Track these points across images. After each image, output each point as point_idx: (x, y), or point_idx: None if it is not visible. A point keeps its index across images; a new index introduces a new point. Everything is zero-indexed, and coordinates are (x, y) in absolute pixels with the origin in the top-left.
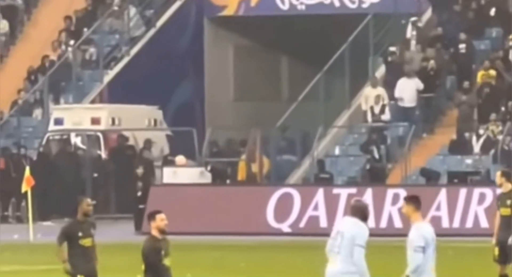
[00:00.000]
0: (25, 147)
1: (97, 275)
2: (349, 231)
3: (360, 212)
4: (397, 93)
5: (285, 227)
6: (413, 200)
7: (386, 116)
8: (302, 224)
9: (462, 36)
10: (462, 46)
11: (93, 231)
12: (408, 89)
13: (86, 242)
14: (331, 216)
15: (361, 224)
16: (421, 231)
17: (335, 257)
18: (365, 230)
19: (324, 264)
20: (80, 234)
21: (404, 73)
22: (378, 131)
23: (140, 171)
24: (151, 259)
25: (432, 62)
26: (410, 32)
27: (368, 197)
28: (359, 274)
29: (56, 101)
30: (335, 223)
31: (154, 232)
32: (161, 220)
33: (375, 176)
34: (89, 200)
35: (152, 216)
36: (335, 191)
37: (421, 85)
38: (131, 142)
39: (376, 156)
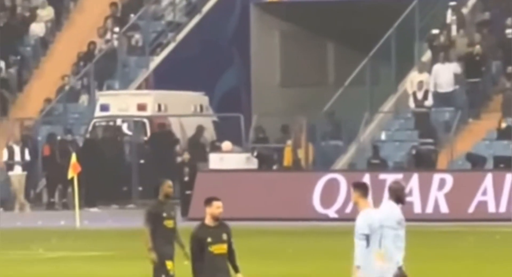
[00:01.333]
0: (72, 133)
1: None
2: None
3: (393, 194)
4: (434, 79)
5: (331, 212)
6: (360, 187)
7: (429, 102)
8: (348, 210)
9: (509, 21)
10: (509, 31)
11: (173, 213)
12: (445, 74)
13: (169, 223)
14: (377, 201)
15: (392, 206)
16: (366, 218)
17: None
18: (394, 212)
19: None
20: (164, 214)
21: (448, 58)
22: (424, 116)
23: (186, 156)
24: (196, 246)
25: (477, 47)
26: (450, 17)
27: (414, 182)
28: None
29: (102, 88)
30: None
31: (208, 218)
32: (217, 207)
33: (422, 161)
34: (170, 182)
35: (209, 202)
36: (382, 176)
37: (458, 69)
38: (177, 128)
39: (422, 141)
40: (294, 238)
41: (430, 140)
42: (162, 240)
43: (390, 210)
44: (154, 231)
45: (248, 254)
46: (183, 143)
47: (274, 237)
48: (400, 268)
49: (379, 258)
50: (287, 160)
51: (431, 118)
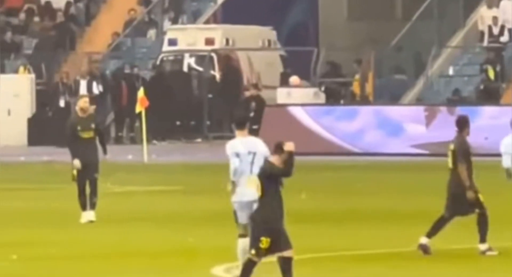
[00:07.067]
0: (139, 67)
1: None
2: None
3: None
4: (502, 15)
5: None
6: (244, 125)
7: (505, 38)
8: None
9: None
10: None
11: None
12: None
13: (87, 134)
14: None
15: None
16: (230, 142)
17: None
18: None
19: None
20: (79, 127)
21: None
22: (495, 51)
23: (252, 91)
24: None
25: None
26: None
27: (482, 116)
28: None
29: (170, 22)
30: None
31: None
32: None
33: (489, 96)
34: (86, 98)
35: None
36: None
37: None
38: (245, 62)
39: (491, 76)
40: (363, 172)
41: (498, 75)
42: (81, 148)
43: None
44: (73, 141)
45: (316, 188)
46: (251, 77)
47: (343, 172)
48: None
49: (251, 184)
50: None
51: (506, 54)
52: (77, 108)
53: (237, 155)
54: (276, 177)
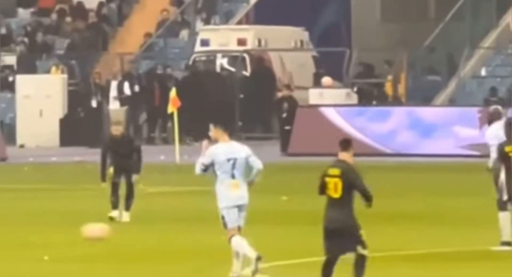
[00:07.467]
0: (171, 67)
1: None
2: None
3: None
4: None
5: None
6: (222, 124)
7: None
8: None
9: None
10: None
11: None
12: None
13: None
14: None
15: None
16: (212, 150)
17: None
18: None
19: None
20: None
21: None
22: None
23: (285, 92)
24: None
25: None
26: None
27: None
28: None
29: (203, 22)
30: None
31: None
32: None
33: None
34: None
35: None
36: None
37: None
38: (277, 63)
39: None
40: (393, 172)
41: None
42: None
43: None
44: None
45: None
46: (283, 78)
47: (376, 172)
48: None
49: (234, 187)
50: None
51: None
52: (110, 133)
53: (214, 163)
54: (357, 191)
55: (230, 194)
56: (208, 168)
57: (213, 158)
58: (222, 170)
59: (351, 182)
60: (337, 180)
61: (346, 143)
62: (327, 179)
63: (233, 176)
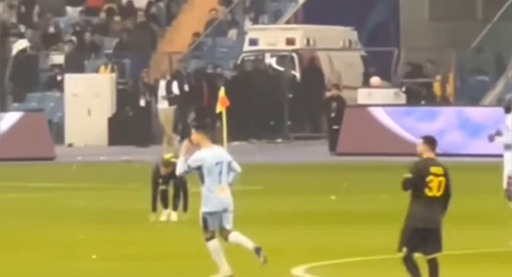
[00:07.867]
0: (220, 67)
1: None
2: None
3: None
4: None
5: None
6: (204, 128)
7: None
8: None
9: None
10: None
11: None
12: None
13: None
14: None
15: None
16: (201, 155)
17: None
18: None
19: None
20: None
21: None
22: None
23: (333, 91)
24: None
25: None
26: None
27: None
28: None
29: (251, 22)
30: None
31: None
32: None
33: None
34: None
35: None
36: None
37: None
38: (325, 62)
39: None
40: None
41: None
42: None
43: None
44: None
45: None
46: (332, 77)
47: None
48: None
49: (221, 191)
50: (436, 94)
51: None
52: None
53: (202, 168)
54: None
55: (218, 197)
56: (191, 171)
57: (203, 163)
58: (211, 174)
59: (450, 181)
60: (442, 178)
61: (435, 142)
62: (431, 178)
63: (220, 180)
